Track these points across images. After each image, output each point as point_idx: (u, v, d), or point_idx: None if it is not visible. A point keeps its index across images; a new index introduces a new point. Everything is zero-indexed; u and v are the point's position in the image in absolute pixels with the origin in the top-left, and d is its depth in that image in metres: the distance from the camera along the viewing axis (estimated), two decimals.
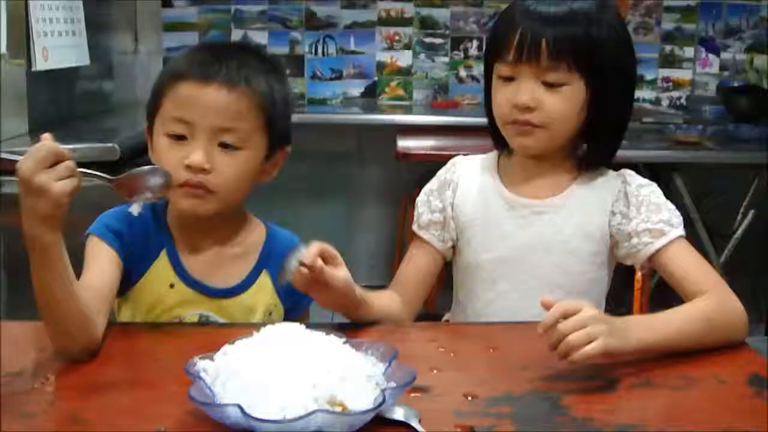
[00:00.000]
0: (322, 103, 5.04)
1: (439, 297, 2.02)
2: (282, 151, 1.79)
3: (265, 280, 1.79)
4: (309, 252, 1.58)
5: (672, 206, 1.82)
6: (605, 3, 1.84)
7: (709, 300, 1.65)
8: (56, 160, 1.35)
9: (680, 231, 1.78)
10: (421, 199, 1.97)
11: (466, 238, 1.90)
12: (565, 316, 1.43)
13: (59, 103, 3.66)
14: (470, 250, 1.90)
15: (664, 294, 3.60)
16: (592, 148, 1.87)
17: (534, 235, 1.85)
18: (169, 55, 4.86)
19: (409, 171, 4.61)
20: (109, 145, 3.06)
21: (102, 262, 1.66)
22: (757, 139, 4.18)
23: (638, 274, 2.63)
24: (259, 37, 4.97)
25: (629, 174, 1.88)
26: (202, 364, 1.27)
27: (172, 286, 1.73)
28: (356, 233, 5.12)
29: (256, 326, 1.36)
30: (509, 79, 1.78)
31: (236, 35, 4.96)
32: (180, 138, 1.66)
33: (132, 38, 4.81)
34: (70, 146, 2.86)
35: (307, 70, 5.05)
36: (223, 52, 1.73)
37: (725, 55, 5.14)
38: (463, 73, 5.14)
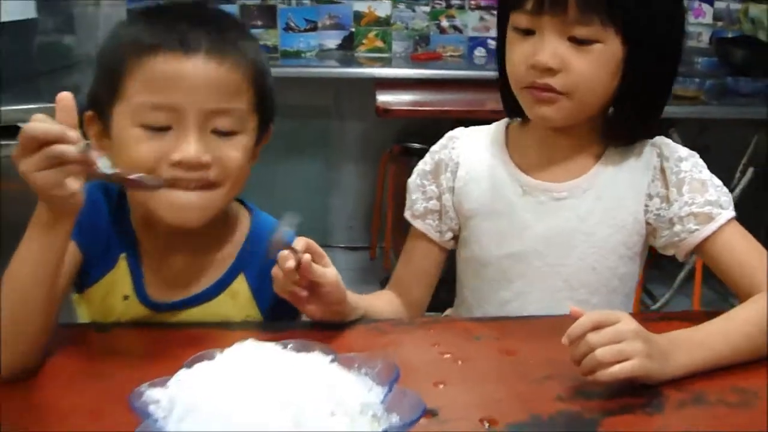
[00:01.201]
0: (297, 55, 4.79)
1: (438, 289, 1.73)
2: (267, 133, 1.49)
3: (240, 286, 1.48)
4: (295, 244, 1.33)
5: (718, 182, 1.54)
6: None
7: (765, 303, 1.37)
8: (38, 145, 1.08)
9: (731, 213, 1.50)
10: (413, 181, 1.69)
11: (472, 229, 1.63)
12: (597, 327, 1.18)
13: (16, 58, 3.41)
14: (477, 244, 1.62)
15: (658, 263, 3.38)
16: (626, 120, 1.54)
17: (554, 226, 1.57)
18: (133, 6, 4.60)
19: (389, 126, 4.50)
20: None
21: None
22: (756, 93, 4.05)
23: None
24: None
25: (666, 144, 1.58)
26: (151, 394, 1.00)
27: (125, 298, 1.45)
28: (334, 193, 4.96)
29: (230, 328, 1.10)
30: (528, 33, 1.46)
31: None
32: (160, 128, 1.33)
33: None
34: (24, 106, 2.70)
35: (280, 21, 4.78)
36: (191, 14, 1.40)
37: (719, 5, 4.94)
38: (445, 23, 4.89)
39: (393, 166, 4.46)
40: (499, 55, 1.57)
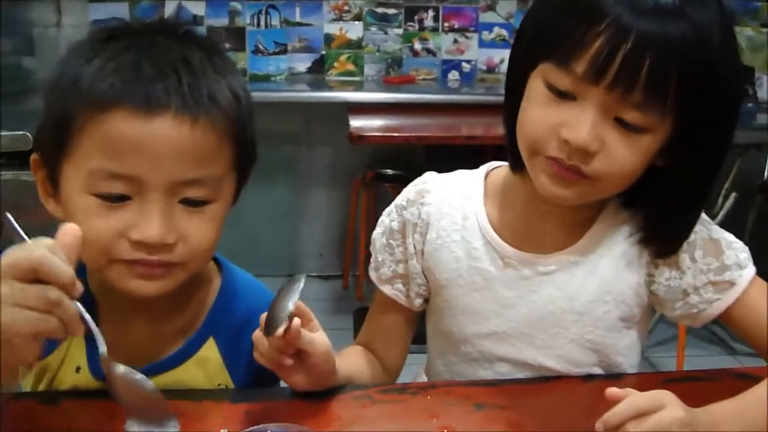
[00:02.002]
0: (266, 79, 4.71)
1: None
2: (247, 176, 1.29)
3: (209, 352, 1.30)
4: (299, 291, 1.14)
5: (731, 237, 1.35)
6: (726, 13, 1.20)
7: None
8: (35, 278, 0.91)
9: (751, 270, 1.33)
10: (378, 239, 1.49)
11: (445, 301, 1.43)
12: (640, 415, 1.03)
13: None
14: (451, 319, 1.43)
15: None
16: (658, 223, 1.32)
17: (541, 306, 1.37)
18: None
19: (361, 151, 4.52)
20: (20, 133, 2.68)
21: None
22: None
23: None
24: (196, 8, 4.62)
25: None
26: None
27: (77, 370, 1.27)
28: (305, 220, 4.89)
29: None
30: (564, 96, 1.20)
31: (170, 6, 4.61)
32: (118, 198, 1.13)
33: (54, 9, 4.48)
34: None
35: (249, 44, 4.71)
36: (157, 49, 1.16)
37: None
38: (417, 45, 4.83)
39: (366, 193, 4.40)
40: (510, 100, 1.31)
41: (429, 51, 4.81)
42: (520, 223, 1.38)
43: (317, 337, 1.19)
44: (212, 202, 1.18)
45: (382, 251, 1.47)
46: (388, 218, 1.47)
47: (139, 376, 1.07)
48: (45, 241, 0.93)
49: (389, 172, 4.24)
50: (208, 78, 1.16)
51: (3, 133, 2.69)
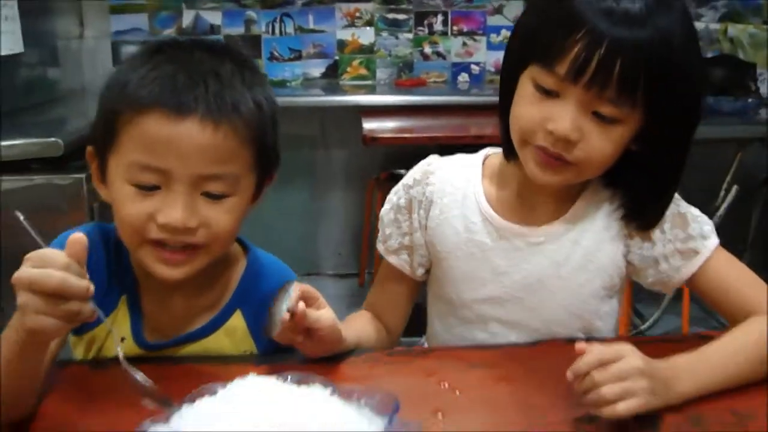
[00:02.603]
0: (282, 85, 4.81)
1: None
2: (270, 178, 1.46)
3: (237, 322, 1.47)
4: (291, 298, 1.32)
5: (697, 211, 1.52)
6: (686, 11, 1.40)
7: (765, 326, 1.38)
8: (54, 293, 1.08)
9: (714, 241, 1.50)
10: (386, 215, 1.66)
11: (445, 270, 1.60)
12: (603, 364, 1.19)
13: (1, 93, 3.41)
14: (451, 285, 1.60)
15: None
16: (637, 201, 1.50)
17: (531, 273, 1.54)
18: (117, 39, 4.64)
19: (375, 153, 4.56)
20: (52, 140, 2.81)
21: None
22: (738, 112, 4.09)
23: None
24: (213, 17, 4.74)
25: None
26: (155, 430, 1.02)
27: (122, 340, 1.43)
28: (322, 220, 4.97)
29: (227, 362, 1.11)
30: (549, 93, 1.39)
31: (188, 16, 4.73)
32: (150, 188, 1.31)
33: (77, 22, 4.60)
34: (8, 142, 2.72)
35: (265, 51, 4.81)
36: (193, 62, 1.34)
37: (698, 25, 4.87)
38: (428, 49, 4.93)
39: (380, 193, 4.48)
40: (503, 98, 1.50)
41: (439, 54, 4.90)
42: (513, 200, 1.55)
43: (323, 314, 1.35)
44: (231, 196, 1.35)
45: (390, 225, 1.64)
46: (395, 196, 1.64)
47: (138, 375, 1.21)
48: (61, 260, 1.09)
49: (402, 172, 4.28)
50: (233, 89, 1.33)
51: (36, 140, 2.81)
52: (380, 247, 1.67)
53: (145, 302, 1.45)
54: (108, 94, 1.36)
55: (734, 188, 4.11)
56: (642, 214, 1.51)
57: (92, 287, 1.11)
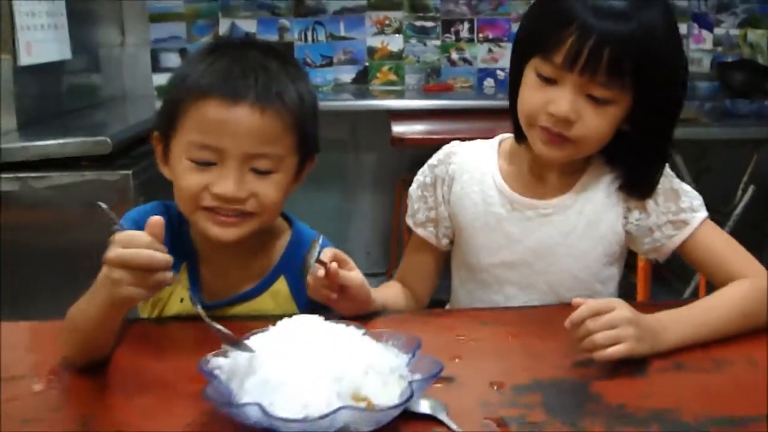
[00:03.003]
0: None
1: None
2: (311, 160, 1.67)
3: (280, 286, 1.67)
4: (323, 256, 1.52)
5: (688, 188, 1.71)
6: (668, 7, 1.62)
7: (745, 288, 1.57)
8: (138, 267, 1.26)
9: (703, 214, 1.68)
10: (414, 192, 1.87)
11: (466, 239, 1.79)
12: (596, 314, 1.37)
13: (47, 97, 3.61)
14: (471, 252, 1.79)
15: (666, 279, 3.52)
16: (632, 174, 1.69)
17: (541, 240, 1.73)
18: (157, 47, 4.82)
19: (403, 155, 4.63)
20: (101, 138, 3.00)
21: None
22: (755, 114, 4.20)
23: (641, 263, 2.58)
24: (248, 26, 4.90)
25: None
26: (216, 362, 1.21)
27: (181, 300, 1.65)
28: (352, 220, 5.10)
29: (271, 320, 1.30)
30: (549, 80, 1.59)
31: (224, 24, 4.90)
32: (206, 163, 1.52)
33: (118, 30, 4.77)
34: (61, 140, 2.91)
35: (298, 58, 4.95)
36: (246, 58, 1.55)
37: (718, 31, 5.10)
38: (455, 56, 5.07)
39: (407, 194, 4.58)
40: (512, 87, 1.69)
41: (465, 60, 5.05)
42: (525, 176, 1.75)
43: (353, 275, 1.56)
44: (276, 172, 1.56)
45: (418, 201, 1.84)
46: (422, 175, 1.85)
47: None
48: (145, 239, 1.27)
49: None
50: (279, 81, 1.55)
51: (86, 139, 3.00)
52: (409, 221, 1.87)
53: (202, 269, 1.66)
54: (172, 85, 1.59)
55: (751, 188, 4.20)
56: (636, 186, 1.70)
57: (171, 259, 1.29)
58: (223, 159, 1.51)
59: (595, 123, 1.58)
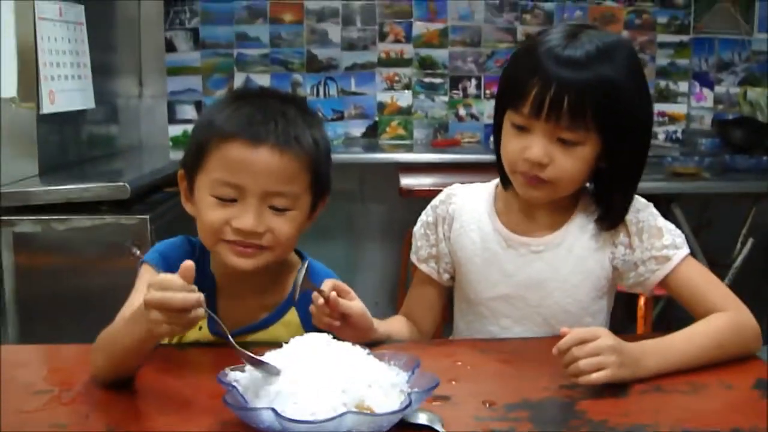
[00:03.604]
0: None
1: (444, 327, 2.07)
2: (323, 200, 1.79)
3: (292, 317, 1.80)
4: (323, 286, 1.65)
5: (672, 226, 1.82)
6: (627, 46, 1.79)
7: (722, 321, 1.67)
8: (183, 309, 1.37)
9: (685, 251, 1.79)
10: (418, 231, 1.99)
11: (464, 273, 1.91)
12: (582, 342, 1.48)
13: (67, 145, 3.74)
14: (470, 286, 1.91)
15: (668, 319, 3.63)
16: (607, 205, 1.82)
17: (533, 275, 1.84)
18: (173, 99, 4.95)
19: (411, 207, 4.65)
20: (120, 183, 3.13)
21: None
22: (753, 169, 4.26)
23: (641, 302, 2.69)
24: (262, 80, 5.02)
25: None
26: (233, 375, 1.33)
27: (200, 328, 1.75)
28: (360, 270, 5.15)
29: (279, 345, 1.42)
30: (522, 129, 1.73)
31: (239, 78, 5.02)
32: (229, 200, 1.65)
33: (137, 82, 4.89)
34: (81, 185, 3.03)
35: None
36: (266, 105, 1.69)
37: (719, 89, 5.20)
38: (462, 111, 5.17)
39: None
40: (496, 137, 1.84)
41: (473, 116, 5.14)
42: (518, 216, 1.88)
43: (353, 304, 1.68)
44: (292, 210, 1.69)
45: (421, 239, 1.97)
46: (425, 215, 1.99)
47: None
48: (178, 283, 1.38)
49: None
50: (297, 126, 1.69)
51: (105, 184, 3.13)
52: (413, 257, 2.00)
53: (219, 299, 1.79)
54: (199, 128, 1.74)
55: (750, 241, 4.27)
56: (605, 217, 1.83)
57: (203, 297, 1.40)
58: (244, 196, 1.64)
59: (566, 164, 1.72)
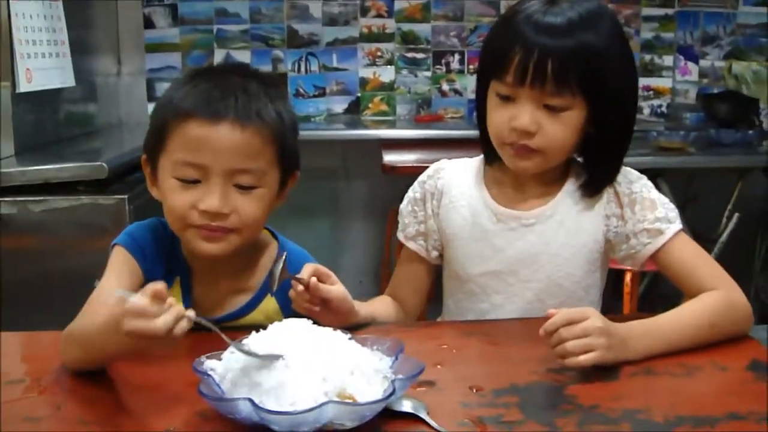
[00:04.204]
0: (306, 120, 4.97)
1: (429, 306, 2.02)
2: (293, 177, 1.74)
3: (269, 304, 1.74)
4: (302, 272, 1.60)
5: (665, 200, 1.78)
6: (608, 13, 1.76)
7: (713, 299, 1.64)
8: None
9: (678, 226, 1.75)
10: (405, 208, 1.94)
11: (453, 250, 1.87)
12: (570, 323, 1.44)
13: (44, 125, 3.67)
14: (458, 263, 1.87)
15: (652, 296, 3.61)
16: (594, 171, 1.80)
17: (524, 249, 1.81)
18: (152, 76, 4.89)
19: (395, 184, 4.62)
20: (98, 163, 3.07)
21: (123, 274, 1.64)
22: (739, 143, 4.24)
23: (627, 278, 2.66)
24: (242, 56, 4.94)
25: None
26: (209, 364, 1.28)
27: None
28: (344, 249, 5.11)
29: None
30: (507, 99, 1.70)
31: (219, 55, 4.95)
32: (192, 181, 1.59)
33: (115, 60, 4.83)
34: (58, 165, 2.98)
35: (291, 88, 5.00)
36: (225, 81, 1.63)
37: (704, 63, 5.15)
38: (445, 86, 5.10)
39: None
40: (479, 112, 1.81)
41: (456, 91, 5.08)
42: (507, 189, 1.84)
43: (334, 288, 1.63)
44: (258, 187, 1.62)
45: (408, 216, 1.92)
46: (412, 191, 1.94)
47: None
48: (153, 309, 1.28)
49: None
50: (259, 100, 1.63)
51: (83, 164, 3.07)
52: (400, 235, 1.94)
53: (194, 284, 1.73)
54: (158, 109, 1.69)
55: (735, 216, 4.27)
56: (589, 183, 1.80)
57: (183, 310, 1.32)
58: (207, 176, 1.58)
59: (554, 130, 1.69)
